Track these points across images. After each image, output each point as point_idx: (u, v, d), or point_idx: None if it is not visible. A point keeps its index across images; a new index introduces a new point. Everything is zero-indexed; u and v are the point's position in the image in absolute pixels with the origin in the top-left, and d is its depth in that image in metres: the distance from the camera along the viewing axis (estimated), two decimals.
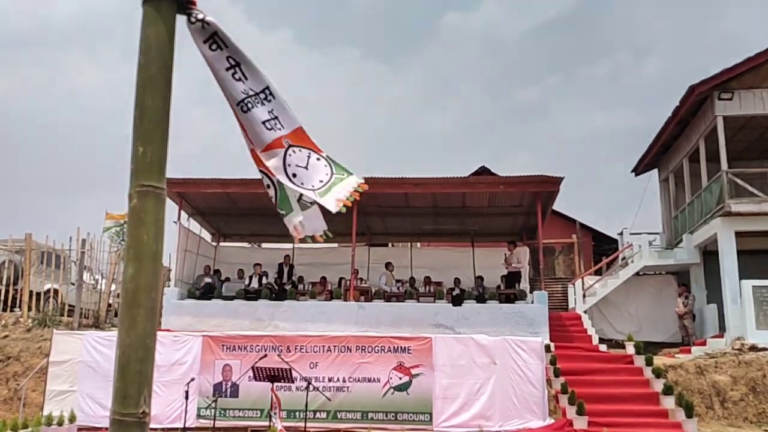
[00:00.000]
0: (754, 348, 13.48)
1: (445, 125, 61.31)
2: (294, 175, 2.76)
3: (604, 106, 61.30)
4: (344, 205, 2.75)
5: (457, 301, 14.83)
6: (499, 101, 64.13)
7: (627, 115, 57.83)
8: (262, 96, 2.63)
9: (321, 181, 2.78)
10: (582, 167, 52.59)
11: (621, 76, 62.36)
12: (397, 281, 16.49)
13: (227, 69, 2.54)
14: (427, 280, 16.56)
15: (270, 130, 2.70)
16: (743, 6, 58.39)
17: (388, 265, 16.72)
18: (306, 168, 2.77)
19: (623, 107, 59.70)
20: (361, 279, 16.53)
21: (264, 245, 20.60)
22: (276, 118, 2.68)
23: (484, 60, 63.79)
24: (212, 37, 2.47)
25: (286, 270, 16.79)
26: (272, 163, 2.74)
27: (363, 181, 2.84)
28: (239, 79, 2.57)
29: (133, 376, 2.04)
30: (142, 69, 2.25)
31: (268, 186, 2.88)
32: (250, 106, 2.63)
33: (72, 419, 11.57)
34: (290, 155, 2.75)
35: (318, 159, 2.79)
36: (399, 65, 66.73)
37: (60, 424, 11.39)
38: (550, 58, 62.56)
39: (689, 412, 11.26)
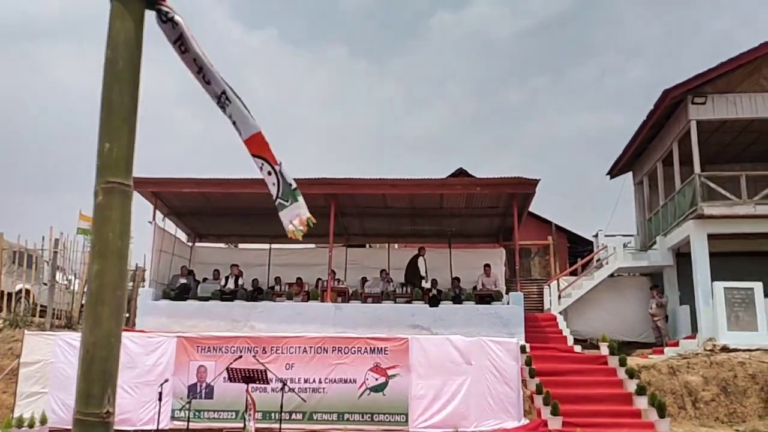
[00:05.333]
0: (725, 349, 13.67)
1: (431, 126, 61.47)
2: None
3: (588, 108, 61.84)
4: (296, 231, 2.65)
5: (433, 302, 14.87)
6: (486, 102, 64.43)
7: (610, 117, 58.35)
8: (222, 99, 2.57)
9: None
10: (562, 169, 52.97)
11: (608, 78, 62.94)
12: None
13: (197, 72, 2.52)
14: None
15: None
16: (733, 9, 59.27)
17: (382, 272, 16.80)
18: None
19: (607, 109, 60.26)
20: (338, 280, 16.49)
21: (240, 246, 20.46)
22: (234, 123, 2.60)
23: (472, 60, 64.00)
24: (180, 39, 2.43)
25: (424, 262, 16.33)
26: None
27: (309, 214, 2.68)
28: (208, 82, 2.54)
29: (97, 375, 2.01)
30: (109, 64, 2.21)
31: (269, 173, 2.66)
32: (220, 106, 2.61)
33: (43, 421, 11.41)
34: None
35: (269, 173, 2.65)
36: (386, 64, 66.81)
37: (31, 426, 11.23)
38: (539, 59, 62.97)
39: (662, 412, 11.41)
